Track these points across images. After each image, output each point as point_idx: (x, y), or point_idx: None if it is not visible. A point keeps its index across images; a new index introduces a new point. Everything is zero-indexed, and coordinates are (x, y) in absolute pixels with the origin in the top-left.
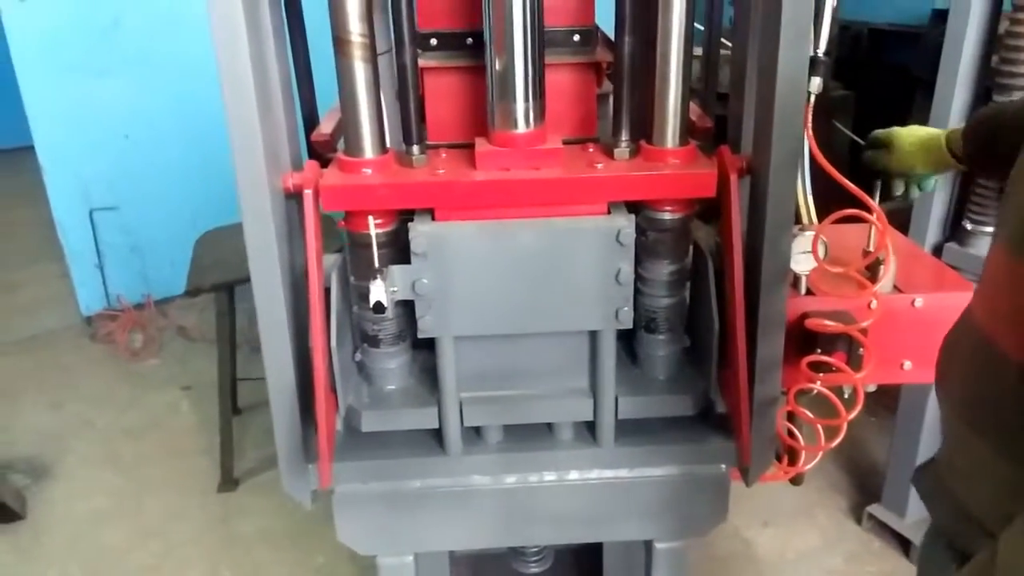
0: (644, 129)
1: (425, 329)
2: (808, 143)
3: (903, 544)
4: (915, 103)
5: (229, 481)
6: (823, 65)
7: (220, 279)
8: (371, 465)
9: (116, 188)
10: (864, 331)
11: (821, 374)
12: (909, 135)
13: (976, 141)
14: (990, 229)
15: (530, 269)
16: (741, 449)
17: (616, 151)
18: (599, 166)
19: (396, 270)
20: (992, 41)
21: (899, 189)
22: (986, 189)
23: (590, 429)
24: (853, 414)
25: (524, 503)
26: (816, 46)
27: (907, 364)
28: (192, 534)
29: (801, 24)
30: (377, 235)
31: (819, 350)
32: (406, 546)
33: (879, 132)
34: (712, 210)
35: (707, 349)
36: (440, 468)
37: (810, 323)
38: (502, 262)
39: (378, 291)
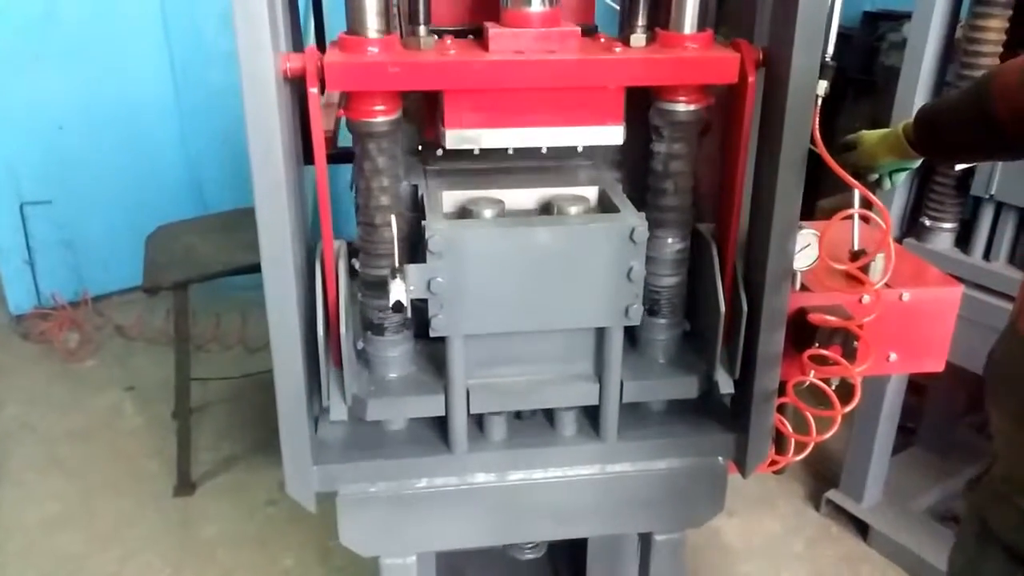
0: (659, 17)
1: (437, 328)
2: (817, 143)
3: (860, 528)
4: (846, 102)
5: (186, 485)
6: (830, 69)
7: (181, 277)
8: (376, 465)
9: (49, 181)
10: (861, 325)
11: (818, 367)
12: (871, 133)
13: (922, 131)
14: (947, 225)
15: (543, 267)
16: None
17: (632, 37)
18: (616, 50)
19: (412, 269)
20: (949, 48)
21: (873, 181)
22: (943, 187)
23: (592, 425)
24: (850, 407)
25: (528, 500)
26: (824, 51)
27: (893, 356)
28: (151, 539)
29: (815, 27)
30: (379, 123)
31: (817, 344)
32: (410, 546)
33: (848, 137)
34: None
35: (710, 331)
36: (445, 467)
37: (813, 317)
38: (516, 260)
39: (398, 291)
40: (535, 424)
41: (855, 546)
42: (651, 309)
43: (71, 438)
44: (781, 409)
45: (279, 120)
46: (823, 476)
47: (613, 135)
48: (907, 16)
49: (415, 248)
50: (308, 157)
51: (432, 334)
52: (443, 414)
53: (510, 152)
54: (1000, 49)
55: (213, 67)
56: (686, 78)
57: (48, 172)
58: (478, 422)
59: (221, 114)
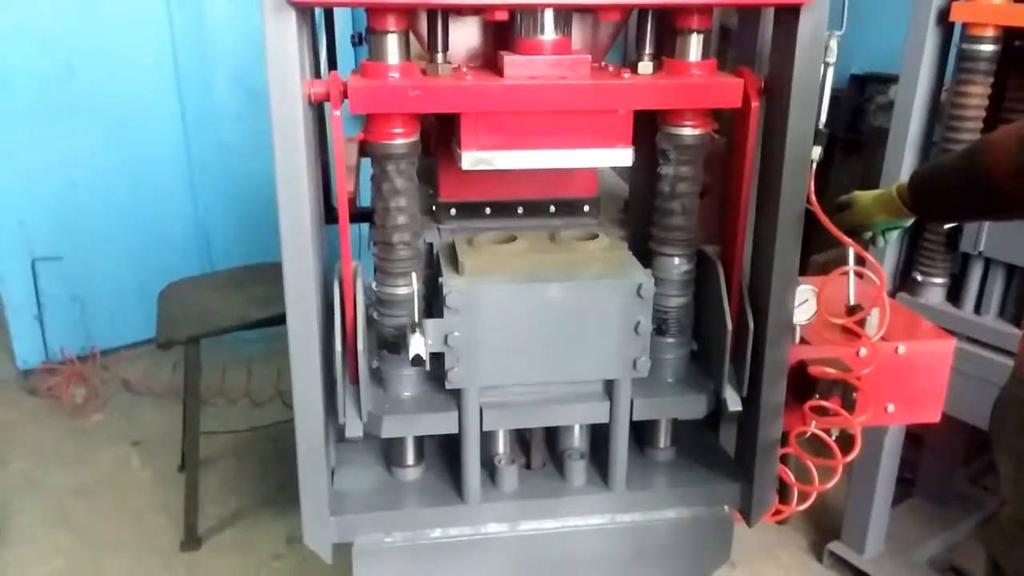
0: (664, 47)
1: (454, 380)
2: (812, 202)
3: None
4: (835, 161)
5: (193, 539)
6: (823, 135)
7: (194, 331)
8: (392, 515)
9: (60, 237)
10: (859, 377)
11: (819, 417)
12: (865, 193)
13: (919, 193)
14: (938, 280)
15: (555, 322)
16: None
17: (640, 64)
18: (625, 76)
19: (430, 324)
20: (935, 109)
21: (867, 238)
22: (933, 243)
23: (601, 475)
24: (851, 456)
25: (539, 549)
26: (817, 119)
27: (890, 407)
28: None
29: (810, 98)
30: (398, 146)
31: (818, 395)
32: None
33: (841, 197)
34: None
35: (717, 350)
36: (459, 517)
37: (813, 370)
38: (529, 315)
39: (417, 345)
40: (545, 474)
41: None
42: (659, 328)
43: (78, 494)
44: (783, 459)
45: (304, 148)
46: (824, 527)
47: (622, 157)
48: (894, 79)
49: (429, 303)
50: (329, 216)
51: (448, 386)
52: (456, 431)
53: (520, 212)
54: (983, 113)
55: (224, 125)
56: (693, 102)
57: (60, 229)
58: (490, 473)
59: (231, 172)
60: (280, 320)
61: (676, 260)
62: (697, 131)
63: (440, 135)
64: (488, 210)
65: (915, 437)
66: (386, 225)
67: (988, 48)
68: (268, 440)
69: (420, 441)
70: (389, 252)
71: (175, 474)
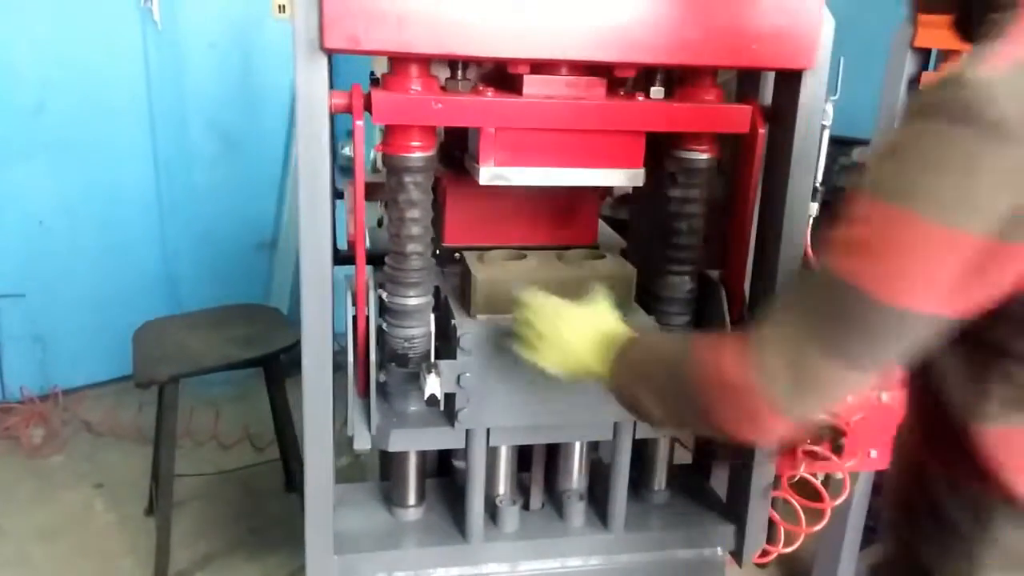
0: (674, 74)
1: (464, 421)
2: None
3: None
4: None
5: None
6: (819, 193)
7: (176, 371)
8: (395, 555)
9: (23, 275)
10: (848, 423)
11: (810, 461)
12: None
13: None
14: None
15: None
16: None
17: (652, 89)
18: (640, 98)
19: (444, 365)
20: None
21: None
22: None
23: (599, 515)
24: (840, 500)
25: None
26: (815, 179)
27: (873, 452)
28: None
29: (809, 158)
30: (416, 159)
31: (809, 440)
32: None
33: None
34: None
35: None
36: (461, 557)
37: None
38: None
39: (433, 385)
40: (545, 515)
41: None
42: None
43: (40, 536)
44: (772, 502)
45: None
46: (795, 570)
47: (634, 177)
48: (859, 142)
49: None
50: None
51: (458, 426)
52: (463, 446)
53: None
54: None
55: (196, 168)
56: (703, 126)
57: (23, 266)
58: (491, 513)
59: (201, 215)
60: (263, 361)
61: (680, 279)
62: (705, 155)
63: (447, 179)
64: None
65: (876, 485)
66: (400, 235)
67: None
68: (238, 483)
69: (421, 482)
70: (402, 262)
71: (142, 517)
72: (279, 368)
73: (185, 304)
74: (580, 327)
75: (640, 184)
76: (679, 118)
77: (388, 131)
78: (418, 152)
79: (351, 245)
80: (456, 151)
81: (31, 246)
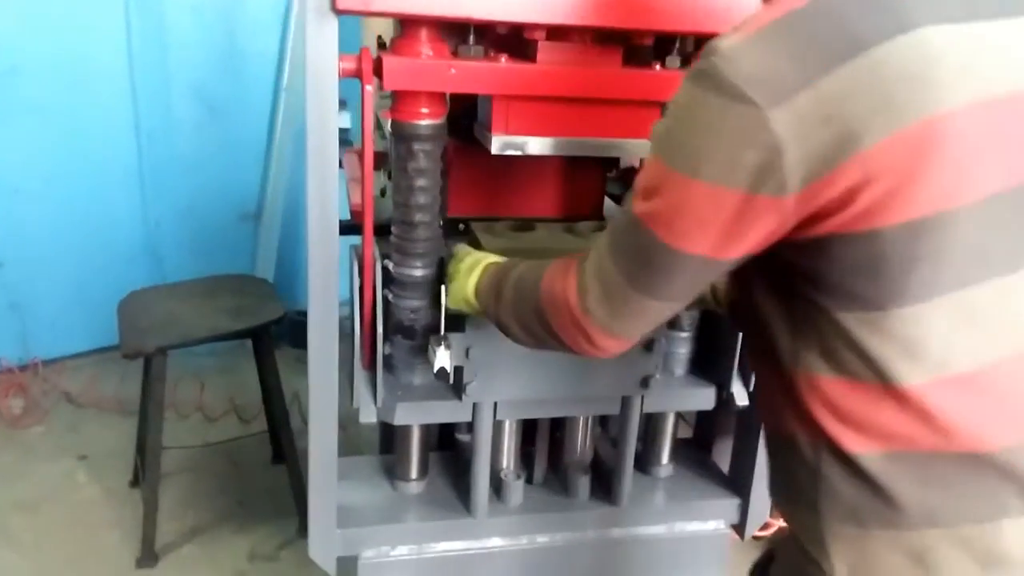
0: (688, 45)
1: (471, 394)
2: None
3: None
4: None
5: (150, 556)
6: None
7: (164, 342)
8: (400, 528)
9: (0, 243)
10: None
11: None
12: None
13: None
14: None
15: None
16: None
17: (668, 59)
18: (656, 67)
19: (455, 337)
20: None
21: None
22: None
23: (603, 489)
24: None
25: (544, 563)
26: None
27: None
28: None
29: None
30: (426, 127)
31: None
32: None
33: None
34: None
35: (725, 344)
36: (466, 531)
37: None
38: None
39: (443, 358)
40: (548, 489)
41: None
42: (671, 323)
43: (22, 509)
44: None
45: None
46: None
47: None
48: None
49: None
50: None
51: (465, 399)
52: (469, 419)
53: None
54: None
55: (180, 137)
56: None
57: (0, 234)
58: (495, 487)
59: (185, 185)
60: (252, 332)
61: None
62: None
63: (452, 148)
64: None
65: None
66: (408, 204)
67: None
68: (224, 456)
69: (425, 455)
70: (409, 232)
71: (126, 490)
72: (269, 340)
73: (168, 274)
74: (466, 264)
75: None
76: None
77: (397, 97)
78: (428, 119)
79: (354, 215)
80: (463, 119)
81: (8, 214)
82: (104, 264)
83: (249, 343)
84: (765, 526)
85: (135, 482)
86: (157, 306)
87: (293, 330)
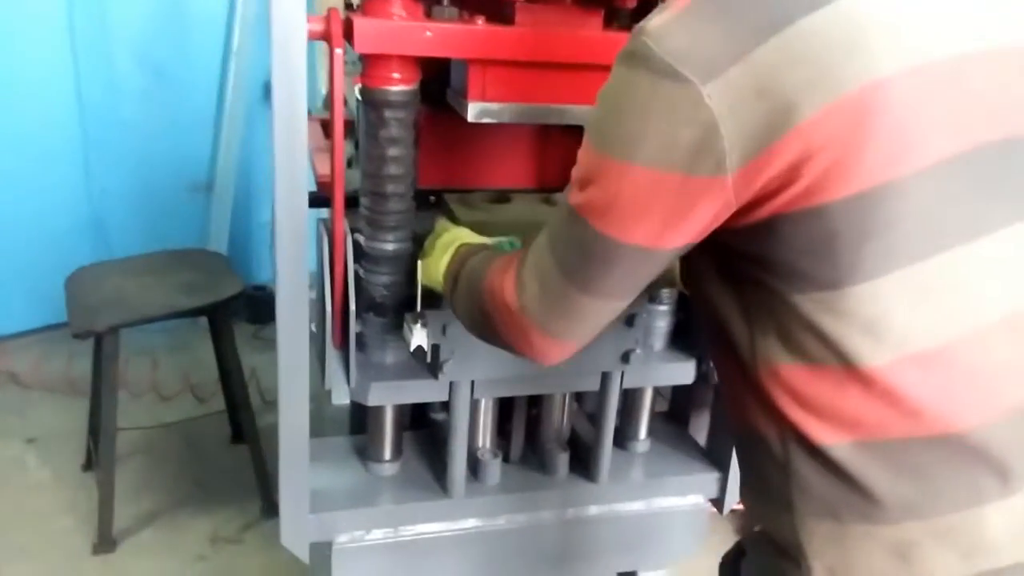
0: None
1: (448, 373)
2: None
3: None
4: None
5: (107, 541)
6: None
7: (117, 320)
8: (375, 512)
9: None
10: None
11: None
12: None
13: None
14: None
15: None
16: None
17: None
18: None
19: (431, 314)
20: None
21: None
22: None
23: (582, 466)
24: None
25: (524, 543)
26: None
27: None
28: None
29: None
30: (398, 93)
31: None
32: None
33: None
34: None
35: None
36: (443, 512)
37: None
38: None
39: (420, 336)
40: (525, 468)
41: None
42: (651, 297)
43: None
44: None
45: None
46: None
47: None
48: None
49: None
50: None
51: (442, 378)
52: (446, 398)
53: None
54: None
55: (124, 102)
56: None
57: None
58: (472, 467)
59: (131, 153)
60: (209, 309)
61: None
62: None
63: (423, 115)
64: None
65: None
66: (380, 175)
67: None
68: (181, 436)
69: (398, 435)
70: (381, 204)
71: (78, 473)
72: (227, 317)
73: (114, 249)
74: (443, 241)
75: None
76: None
77: (368, 62)
78: (401, 85)
79: (320, 187)
80: (432, 84)
81: None
82: (47, 239)
83: (202, 319)
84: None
85: (88, 465)
86: (107, 283)
87: (248, 305)
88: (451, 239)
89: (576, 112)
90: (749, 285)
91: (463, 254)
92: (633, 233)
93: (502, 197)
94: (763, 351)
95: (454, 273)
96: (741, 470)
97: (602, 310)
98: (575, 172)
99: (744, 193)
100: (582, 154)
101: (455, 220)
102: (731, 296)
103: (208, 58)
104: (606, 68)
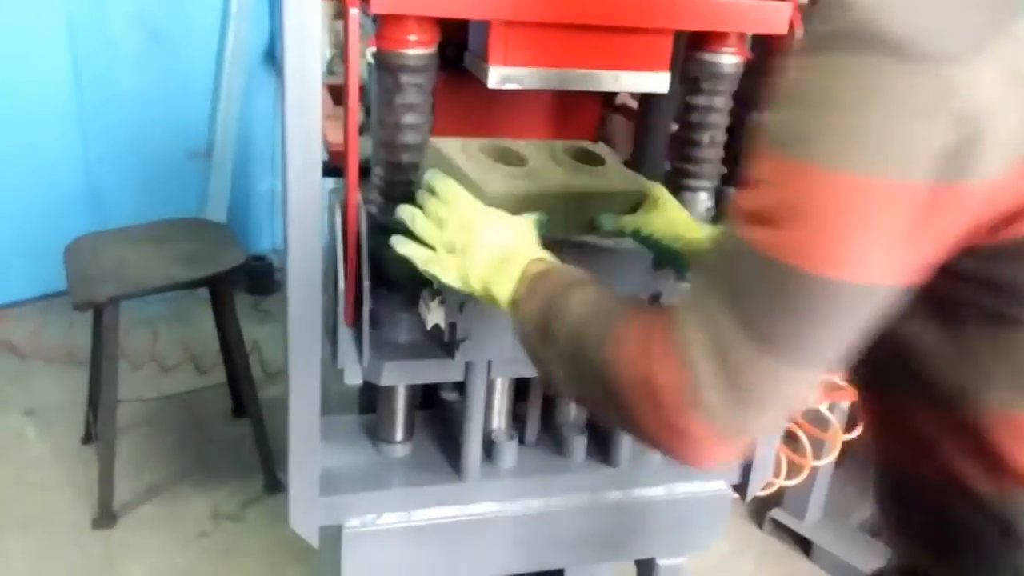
0: None
1: (465, 352)
2: None
3: (803, 544)
4: None
5: (108, 516)
6: None
7: (118, 291)
8: (387, 495)
9: None
10: None
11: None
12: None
13: None
14: None
15: None
16: None
17: None
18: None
19: (448, 291)
20: None
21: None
22: None
23: (600, 450)
24: (854, 433)
25: (540, 528)
26: None
27: None
28: None
29: None
30: (415, 56)
31: None
32: None
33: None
34: None
35: None
36: (456, 495)
37: None
38: None
39: (438, 314)
40: (541, 451)
41: (799, 562)
42: (677, 274)
43: None
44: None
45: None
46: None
47: (659, 83)
48: None
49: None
50: None
51: (458, 357)
52: (461, 379)
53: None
54: None
55: (121, 69)
56: (738, 25)
57: None
58: (486, 449)
59: (128, 121)
60: (211, 280)
61: (702, 195)
62: (736, 58)
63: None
64: None
65: None
66: (395, 143)
67: None
68: (182, 408)
69: (411, 416)
70: (396, 174)
71: (78, 446)
72: (229, 289)
73: (111, 218)
74: (492, 246)
75: (665, 90)
76: (712, 16)
77: (383, 23)
78: (419, 48)
79: (331, 155)
80: (446, 47)
81: None
82: (44, 207)
83: (202, 290)
84: (767, 486)
85: (87, 438)
86: (107, 253)
87: (248, 276)
88: (507, 251)
89: (607, 78)
90: (978, 321)
91: (545, 285)
92: (865, 269)
93: (507, 151)
94: (989, 396)
95: (541, 319)
96: (898, 513)
97: (805, 386)
98: (750, 200)
99: (1007, 201)
100: (770, 174)
101: (472, 188)
102: (941, 332)
103: (206, 22)
104: (639, 30)
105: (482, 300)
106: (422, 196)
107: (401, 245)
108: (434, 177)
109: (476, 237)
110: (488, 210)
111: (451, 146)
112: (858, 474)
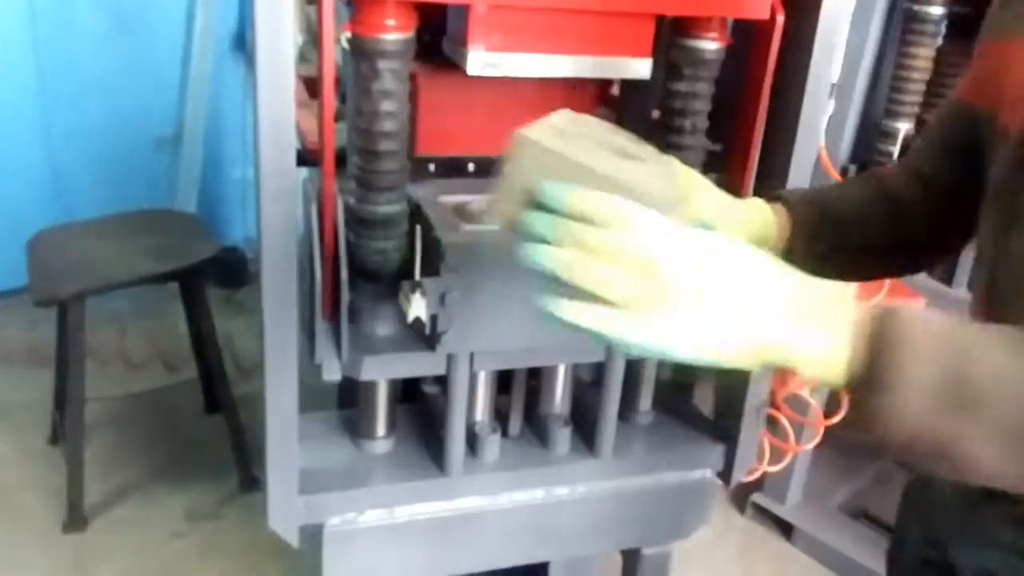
0: None
1: (447, 344)
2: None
3: (784, 528)
4: None
5: (78, 519)
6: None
7: (82, 287)
8: (368, 492)
9: None
10: None
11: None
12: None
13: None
14: None
15: None
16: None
17: None
18: None
19: (429, 283)
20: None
21: None
22: None
23: (585, 442)
24: (836, 418)
25: (524, 521)
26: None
27: None
28: None
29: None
30: (392, 41)
31: None
32: None
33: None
34: None
35: None
36: (439, 491)
37: None
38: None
39: (419, 306)
40: (525, 443)
41: (781, 546)
42: None
43: None
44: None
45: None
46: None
47: (641, 69)
48: None
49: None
50: None
51: (439, 350)
52: (443, 372)
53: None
54: (927, 76)
55: (84, 51)
56: (720, 10)
57: None
58: (469, 442)
59: (93, 108)
60: (181, 274)
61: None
62: (717, 44)
63: (420, 72)
64: (472, 167)
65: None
66: (372, 131)
67: (936, 11)
68: (152, 406)
69: (392, 410)
70: (373, 163)
71: (45, 448)
72: (200, 282)
73: (75, 209)
74: (762, 278)
75: (647, 77)
76: (694, 0)
77: (359, 7)
78: (396, 33)
79: (305, 145)
80: (424, 34)
81: None
82: (4, 199)
83: (171, 284)
84: (751, 471)
85: (54, 439)
86: (71, 247)
87: (221, 268)
88: (784, 282)
89: (595, 65)
90: None
91: (926, 338)
92: None
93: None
94: None
95: (941, 379)
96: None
97: None
98: None
99: None
100: None
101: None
102: None
103: (173, 6)
104: (621, 15)
105: (752, 363)
106: (554, 226)
107: (563, 308)
108: (579, 194)
109: (716, 273)
110: (700, 231)
111: (543, 134)
112: (836, 457)
